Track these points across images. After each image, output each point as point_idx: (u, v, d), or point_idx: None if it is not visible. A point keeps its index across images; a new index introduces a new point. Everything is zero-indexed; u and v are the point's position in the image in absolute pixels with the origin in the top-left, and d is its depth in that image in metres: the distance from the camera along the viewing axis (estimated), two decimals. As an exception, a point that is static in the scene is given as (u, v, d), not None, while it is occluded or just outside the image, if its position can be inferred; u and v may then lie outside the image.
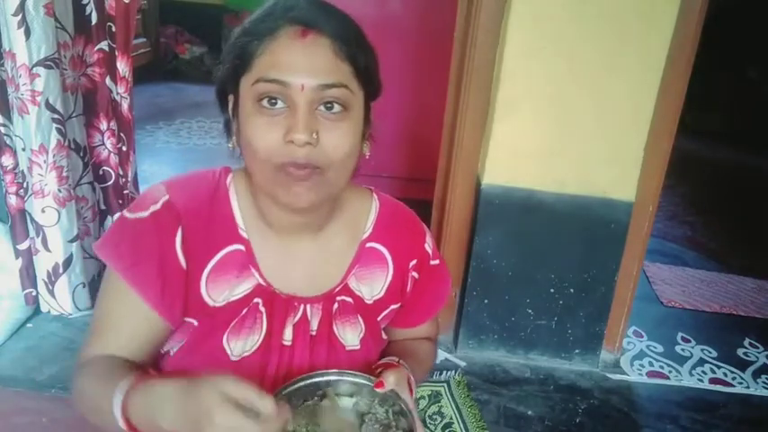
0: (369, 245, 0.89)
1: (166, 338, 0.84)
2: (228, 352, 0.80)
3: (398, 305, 0.92)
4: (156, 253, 0.78)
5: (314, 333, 0.84)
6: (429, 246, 0.94)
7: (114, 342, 0.80)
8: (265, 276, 0.83)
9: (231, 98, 0.79)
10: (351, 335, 0.87)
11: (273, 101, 0.72)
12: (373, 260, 0.89)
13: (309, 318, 0.84)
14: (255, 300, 0.82)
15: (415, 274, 0.92)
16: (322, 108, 0.73)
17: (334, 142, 0.73)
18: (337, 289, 0.86)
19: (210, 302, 0.81)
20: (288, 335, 0.83)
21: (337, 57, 0.72)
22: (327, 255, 0.86)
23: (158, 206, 0.79)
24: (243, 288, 0.82)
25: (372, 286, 0.89)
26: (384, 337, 0.94)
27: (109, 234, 0.81)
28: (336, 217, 0.87)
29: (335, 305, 0.86)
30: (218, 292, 0.81)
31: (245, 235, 0.82)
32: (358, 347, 0.87)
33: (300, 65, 0.71)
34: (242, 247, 0.82)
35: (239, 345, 0.81)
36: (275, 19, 0.73)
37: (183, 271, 0.79)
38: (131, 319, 0.80)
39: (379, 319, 0.91)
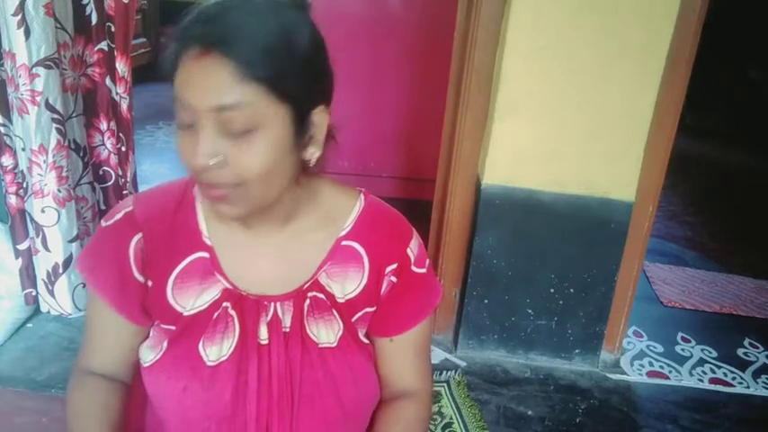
0: (345, 243, 0.87)
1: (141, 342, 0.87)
2: (204, 357, 0.80)
3: (373, 309, 0.89)
4: (113, 259, 0.83)
5: (287, 330, 0.83)
6: (413, 251, 0.89)
7: (98, 354, 0.88)
8: (232, 280, 0.83)
9: None
10: (326, 332, 0.85)
11: (188, 119, 0.72)
12: (348, 258, 0.87)
13: (281, 315, 0.84)
14: (224, 304, 0.82)
15: (393, 279, 0.88)
16: (228, 128, 0.71)
17: (243, 161, 0.71)
18: (307, 285, 0.85)
19: (181, 310, 0.82)
20: (263, 333, 0.83)
21: (239, 77, 0.68)
22: (300, 249, 0.85)
23: (120, 216, 0.84)
24: (210, 294, 0.83)
25: (345, 285, 0.86)
26: (365, 341, 0.90)
27: (87, 244, 0.88)
28: (312, 212, 0.86)
29: (307, 301, 0.85)
30: (185, 299, 0.82)
31: (208, 242, 0.83)
32: (334, 345, 0.85)
33: (197, 85, 0.70)
34: (206, 255, 0.83)
35: (215, 350, 0.81)
36: (184, 36, 0.71)
37: (138, 282, 0.83)
38: (107, 328, 0.87)
39: (353, 320, 0.88)
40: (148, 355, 0.84)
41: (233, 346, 0.81)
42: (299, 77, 0.73)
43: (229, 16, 0.71)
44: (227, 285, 0.83)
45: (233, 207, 0.75)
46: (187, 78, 0.71)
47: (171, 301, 0.82)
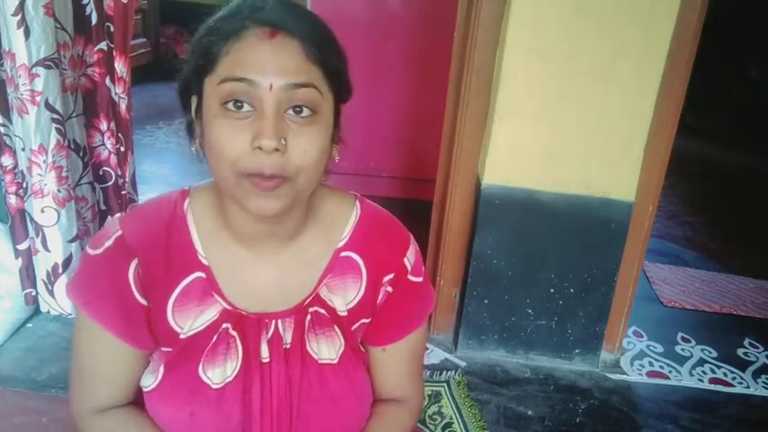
0: (343, 254, 0.85)
1: (146, 367, 0.84)
2: (208, 382, 0.79)
3: (369, 320, 0.88)
4: (113, 288, 0.79)
5: (288, 346, 0.82)
6: (409, 260, 0.88)
7: (104, 389, 0.83)
8: (230, 300, 0.81)
9: (194, 99, 0.76)
10: (326, 348, 0.83)
11: (239, 104, 0.69)
12: (347, 270, 0.85)
13: (282, 332, 0.82)
14: (224, 325, 0.80)
15: (390, 289, 0.87)
16: (290, 112, 0.70)
17: (303, 147, 0.70)
18: (308, 300, 0.83)
19: (179, 331, 0.80)
20: (264, 352, 0.81)
21: (307, 58, 0.70)
22: (299, 264, 0.83)
23: (110, 242, 0.79)
24: (209, 315, 0.80)
25: (345, 296, 0.85)
26: (362, 349, 0.90)
27: (75, 273, 0.83)
28: (312, 224, 0.84)
29: (308, 317, 0.83)
30: (184, 321, 0.80)
31: (204, 261, 0.81)
32: (335, 361, 0.83)
33: (269, 64, 0.68)
34: (202, 275, 0.80)
35: (218, 372, 0.79)
36: (242, 18, 0.70)
37: (141, 305, 0.80)
38: (109, 358, 0.82)
39: (352, 329, 0.87)
40: (147, 380, 0.82)
41: (237, 367, 0.80)
42: (343, 70, 0.75)
43: (285, 3, 0.73)
44: (226, 306, 0.81)
45: (277, 200, 0.71)
46: (254, 57, 0.69)
47: (171, 323, 0.80)
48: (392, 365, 0.91)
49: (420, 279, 0.90)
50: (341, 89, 0.76)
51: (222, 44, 0.70)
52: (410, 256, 0.88)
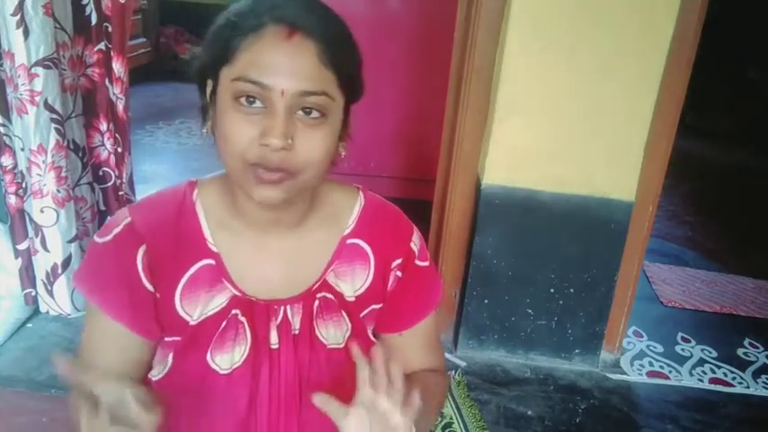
0: (350, 241, 0.87)
1: (151, 357, 0.84)
2: (216, 368, 0.79)
3: (379, 306, 0.89)
4: (121, 276, 0.79)
5: (296, 332, 0.83)
6: (415, 245, 0.90)
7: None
8: (240, 286, 0.82)
9: (210, 83, 0.77)
10: (334, 332, 0.85)
11: (251, 99, 0.70)
12: (355, 256, 0.87)
13: (290, 318, 0.83)
14: (233, 311, 0.81)
15: (399, 273, 0.89)
16: (300, 113, 0.71)
17: (309, 146, 0.71)
18: (316, 286, 0.85)
19: (188, 319, 0.80)
20: (273, 338, 0.82)
21: (321, 63, 0.70)
22: (306, 251, 0.85)
23: (120, 229, 0.79)
24: (218, 302, 0.81)
25: (353, 282, 0.87)
26: (372, 339, 0.91)
27: (82, 262, 0.83)
28: (316, 212, 0.86)
29: (316, 302, 0.84)
30: (193, 308, 0.80)
31: (214, 248, 0.81)
32: (342, 346, 0.85)
33: (283, 68, 0.69)
34: (212, 262, 0.81)
35: (226, 358, 0.80)
36: (261, 14, 0.70)
37: (149, 292, 0.80)
38: (112, 344, 0.81)
39: (361, 316, 0.88)
40: (156, 370, 0.82)
41: (245, 352, 0.80)
42: (356, 73, 0.76)
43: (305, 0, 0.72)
44: (236, 292, 0.81)
45: (280, 192, 0.73)
46: (269, 59, 0.69)
47: (179, 311, 0.80)
48: (411, 348, 0.94)
49: (426, 263, 0.92)
50: (353, 91, 0.77)
51: (241, 39, 0.70)
52: (416, 241, 0.91)
